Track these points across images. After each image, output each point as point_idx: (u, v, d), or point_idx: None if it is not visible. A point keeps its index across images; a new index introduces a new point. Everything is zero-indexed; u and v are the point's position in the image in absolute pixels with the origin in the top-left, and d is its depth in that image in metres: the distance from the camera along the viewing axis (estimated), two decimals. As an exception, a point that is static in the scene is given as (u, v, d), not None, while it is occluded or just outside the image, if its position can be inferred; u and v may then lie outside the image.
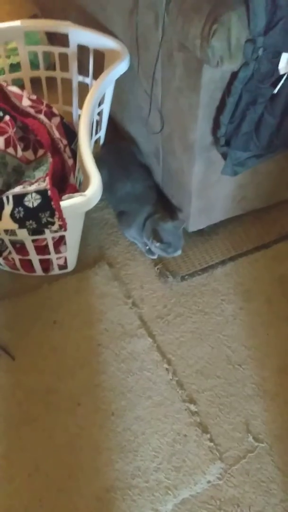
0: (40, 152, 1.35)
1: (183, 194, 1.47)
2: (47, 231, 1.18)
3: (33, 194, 1.10)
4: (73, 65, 1.60)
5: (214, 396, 1.35)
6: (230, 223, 1.67)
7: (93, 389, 1.35)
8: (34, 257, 1.38)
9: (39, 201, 1.09)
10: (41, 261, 1.41)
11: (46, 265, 1.44)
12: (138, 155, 1.69)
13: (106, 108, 1.58)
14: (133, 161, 1.68)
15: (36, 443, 1.26)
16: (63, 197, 1.15)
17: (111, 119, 1.69)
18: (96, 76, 1.56)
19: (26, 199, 1.10)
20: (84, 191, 1.19)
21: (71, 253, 1.44)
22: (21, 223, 1.10)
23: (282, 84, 1.08)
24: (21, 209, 1.09)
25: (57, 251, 1.38)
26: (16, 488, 1.21)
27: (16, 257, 1.39)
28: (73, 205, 1.15)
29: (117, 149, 1.71)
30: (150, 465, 1.24)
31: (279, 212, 1.72)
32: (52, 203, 1.08)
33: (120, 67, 1.43)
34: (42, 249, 1.35)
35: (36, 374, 1.37)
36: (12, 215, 1.10)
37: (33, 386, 1.35)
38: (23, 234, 1.16)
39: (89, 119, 1.30)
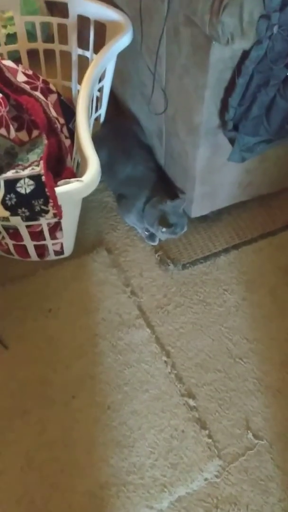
0: (35, 133, 1.27)
1: (186, 178, 1.39)
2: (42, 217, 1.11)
3: (26, 180, 1.03)
4: (73, 37, 1.50)
5: (213, 390, 1.31)
6: (235, 209, 1.60)
7: (89, 382, 1.30)
8: (29, 243, 1.32)
9: (32, 187, 1.02)
10: (36, 246, 1.35)
11: (41, 250, 1.38)
12: (140, 135, 1.61)
13: (107, 84, 1.49)
14: (135, 142, 1.60)
15: (29, 436, 1.22)
16: (59, 183, 1.08)
17: (112, 96, 1.60)
18: (97, 49, 1.47)
19: (18, 184, 1.03)
20: (81, 175, 1.11)
21: (67, 239, 1.37)
22: (13, 210, 1.03)
23: (298, 65, 0.99)
24: (13, 195, 1.02)
25: (52, 237, 1.32)
26: (7, 482, 1.17)
27: (10, 242, 1.32)
28: (69, 191, 1.08)
29: (118, 128, 1.62)
30: (146, 462, 1.20)
31: (286, 198, 1.65)
32: (46, 189, 1.01)
33: (122, 41, 1.34)
34: (37, 235, 1.28)
35: (29, 364, 1.32)
36: (3, 202, 1.03)
37: (27, 377, 1.30)
38: (16, 221, 1.09)
39: (88, 97, 1.22)
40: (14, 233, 1.28)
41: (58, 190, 1.06)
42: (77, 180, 1.08)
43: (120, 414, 1.26)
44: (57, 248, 1.39)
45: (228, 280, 1.49)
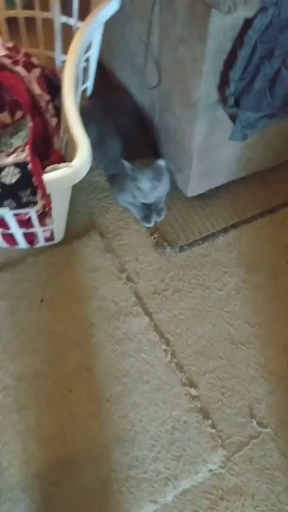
0: (18, 114, 1.17)
1: (183, 156, 1.31)
2: (29, 206, 1.03)
3: (11, 168, 0.94)
4: (55, 3, 1.37)
5: (215, 378, 1.26)
6: (233, 186, 1.52)
7: (86, 374, 1.25)
8: (17, 231, 1.24)
9: (18, 175, 0.94)
10: (25, 234, 1.27)
11: (30, 238, 1.30)
12: (131, 108, 1.51)
13: (94, 54, 1.38)
14: (126, 115, 1.49)
15: (26, 433, 1.18)
16: (46, 169, 0.99)
17: (99, 66, 1.48)
18: (82, 16, 1.35)
19: (3, 173, 0.94)
20: (70, 158, 1.02)
21: (58, 225, 1.29)
22: (-2, 202, 0.95)
23: (306, 34, 0.90)
24: (-3, 186, 0.93)
25: (42, 223, 1.23)
26: (5, 481, 1.13)
27: (-3, 231, 1.24)
28: (58, 179, 0.99)
29: (107, 100, 1.52)
30: (148, 455, 1.17)
31: (284, 172, 1.57)
32: (34, 178, 0.92)
33: (110, 7, 1.23)
34: (25, 223, 1.20)
35: (23, 358, 1.26)
36: (-13, 194, 0.94)
37: (21, 371, 1.24)
38: (1, 211, 1.01)
39: (75, 71, 1.12)
40: (0, 221, 1.20)
41: (46, 177, 0.97)
42: (66, 166, 0.99)
43: (120, 407, 1.21)
44: (47, 234, 1.31)
45: (227, 261, 1.43)
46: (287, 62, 0.96)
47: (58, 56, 1.50)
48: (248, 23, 0.89)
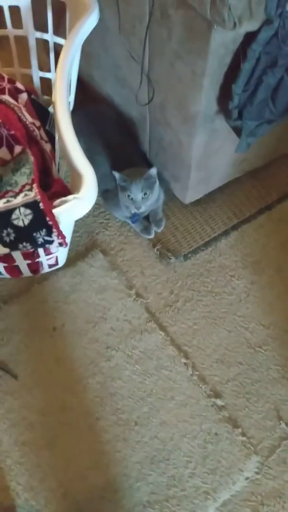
0: (17, 149, 1.12)
1: (180, 167, 1.29)
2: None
3: (22, 209, 0.89)
4: (28, 19, 1.31)
5: (239, 385, 1.27)
6: (227, 187, 1.51)
7: (110, 399, 1.23)
8: (22, 263, 1.19)
9: (30, 217, 0.89)
10: (29, 264, 1.23)
11: (35, 267, 1.26)
12: (117, 120, 1.47)
13: (75, 68, 1.33)
14: (112, 128, 1.45)
15: (59, 469, 1.15)
16: (55, 203, 0.95)
17: (78, 78, 1.43)
18: (57, 30, 1.30)
19: (13, 216, 0.89)
20: (74, 186, 0.99)
21: (63, 250, 1.25)
22: (13, 247, 0.91)
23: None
24: (10, 230, 0.89)
25: (47, 252, 1.19)
26: (46, 521, 1.11)
27: (0, 266, 1.19)
28: (68, 211, 0.96)
29: (91, 114, 1.47)
30: (185, 472, 1.16)
31: (277, 167, 1.57)
32: (47, 218, 0.88)
33: (90, 21, 1.18)
34: (30, 254, 1.16)
35: (44, 391, 1.23)
36: (0, 239, 0.90)
37: (44, 406, 1.22)
38: (15, 254, 0.97)
39: (66, 95, 1.08)
40: (5, 257, 1.15)
41: (57, 211, 0.94)
42: (74, 198, 0.95)
43: (149, 428, 1.20)
44: (52, 261, 1.27)
45: (233, 265, 1.42)
46: (290, 70, 0.95)
47: (35, 72, 1.44)
48: (250, 35, 0.87)
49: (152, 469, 1.16)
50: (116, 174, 1.29)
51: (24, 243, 0.90)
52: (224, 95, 1.00)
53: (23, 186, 1.01)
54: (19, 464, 1.15)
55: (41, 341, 1.29)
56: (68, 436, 1.19)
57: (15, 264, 1.19)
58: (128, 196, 1.30)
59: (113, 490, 1.14)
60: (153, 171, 1.30)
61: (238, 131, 1.04)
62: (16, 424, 1.20)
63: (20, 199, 0.91)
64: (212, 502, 1.14)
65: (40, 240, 0.90)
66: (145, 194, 1.30)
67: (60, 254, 1.26)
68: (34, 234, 0.89)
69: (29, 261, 1.19)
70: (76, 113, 1.44)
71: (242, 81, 0.93)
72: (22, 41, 1.40)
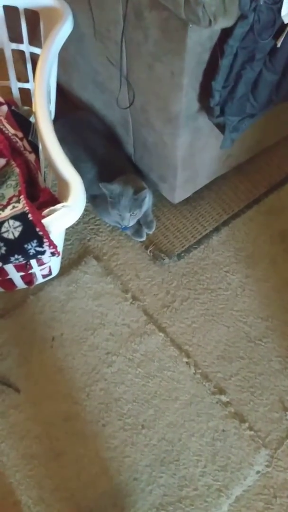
0: (1, 161, 1.11)
1: (166, 167, 1.29)
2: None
3: (11, 222, 0.89)
4: (2, 31, 1.31)
5: (242, 380, 1.27)
6: (214, 184, 1.51)
7: (115, 404, 1.23)
8: (15, 276, 1.19)
9: (20, 228, 0.89)
10: (23, 276, 1.22)
11: (29, 278, 1.26)
12: (98, 125, 1.47)
13: (53, 77, 1.32)
14: (95, 134, 1.45)
15: (69, 479, 1.15)
16: (44, 213, 0.95)
17: (57, 87, 1.43)
18: (32, 40, 1.30)
19: (3, 229, 0.89)
20: (62, 195, 0.99)
21: (55, 259, 1.25)
22: (4, 260, 0.90)
23: (286, 34, 0.88)
24: (1, 244, 0.89)
25: (40, 263, 1.19)
26: (60, 533, 1.10)
27: (-6, 280, 1.19)
28: (58, 220, 0.95)
29: (73, 122, 1.47)
30: (195, 471, 1.16)
31: (262, 161, 1.58)
32: (38, 228, 0.88)
33: (65, 29, 1.18)
34: (23, 266, 1.15)
35: (47, 402, 1.23)
36: (-9, 254, 0.89)
37: (49, 417, 1.21)
38: (7, 267, 0.96)
39: (46, 103, 1.07)
40: (-3, 271, 1.15)
41: (46, 221, 0.94)
42: (63, 206, 0.95)
43: (156, 430, 1.20)
44: (45, 272, 1.27)
45: (226, 260, 1.43)
46: (268, 64, 0.95)
47: (14, 84, 1.44)
48: (226, 31, 0.87)
49: (162, 471, 1.16)
50: (103, 187, 1.28)
51: (16, 256, 0.90)
52: (205, 93, 1.00)
53: (10, 199, 1.01)
54: (29, 477, 1.15)
55: (41, 352, 1.28)
56: (75, 445, 1.18)
57: (9, 277, 1.19)
58: (117, 212, 1.30)
59: (125, 496, 1.13)
60: (144, 195, 1.30)
61: (221, 127, 1.05)
62: (23, 438, 1.19)
63: (8, 211, 0.91)
64: (225, 499, 1.14)
65: (32, 251, 0.90)
66: (133, 213, 1.30)
67: (53, 263, 1.26)
68: (25, 245, 0.89)
69: (22, 273, 1.19)
70: (58, 122, 1.44)
71: (221, 77, 0.94)
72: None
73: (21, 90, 1.47)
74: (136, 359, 1.28)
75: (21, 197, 0.94)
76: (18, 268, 1.16)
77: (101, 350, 1.29)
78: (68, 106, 1.53)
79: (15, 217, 0.89)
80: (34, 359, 1.27)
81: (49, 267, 1.26)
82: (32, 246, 0.89)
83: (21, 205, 0.91)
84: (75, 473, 1.15)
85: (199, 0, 0.76)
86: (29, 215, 0.89)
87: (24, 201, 0.92)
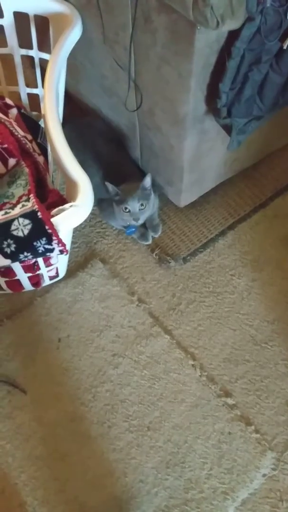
0: (12, 161, 1.13)
1: (173, 170, 1.30)
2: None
3: (20, 220, 0.90)
4: (12, 37, 1.33)
5: (248, 383, 1.26)
6: (221, 188, 1.52)
7: (121, 406, 1.23)
8: (23, 276, 1.20)
9: (29, 226, 0.90)
10: (30, 277, 1.23)
11: (36, 280, 1.26)
12: (106, 130, 1.48)
13: (61, 82, 1.34)
14: (102, 138, 1.46)
15: (75, 480, 1.14)
16: (53, 212, 0.96)
17: (65, 93, 1.45)
18: (42, 46, 1.32)
19: (13, 227, 0.90)
20: (70, 195, 1.00)
21: (62, 261, 1.26)
22: (14, 257, 0.91)
23: (293, 36, 0.90)
24: (10, 241, 0.90)
25: (47, 264, 1.20)
26: (65, 534, 1.10)
27: (2, 280, 1.20)
28: (66, 219, 0.97)
29: (80, 127, 1.48)
30: (201, 474, 1.16)
31: (267, 165, 1.59)
32: (47, 226, 0.89)
33: (74, 34, 1.21)
34: (31, 267, 1.17)
35: (54, 403, 1.23)
36: (1, 251, 0.90)
37: (55, 418, 1.21)
38: (15, 265, 0.97)
39: (56, 108, 1.09)
40: (6, 271, 1.16)
41: (55, 220, 0.95)
42: (71, 206, 0.96)
43: (162, 432, 1.20)
44: (52, 273, 1.28)
45: (232, 264, 1.43)
46: (274, 66, 0.96)
47: (22, 89, 1.46)
48: (233, 33, 0.89)
49: (168, 473, 1.15)
50: (109, 185, 1.29)
51: (25, 253, 0.91)
52: (212, 95, 1.02)
53: (20, 197, 1.02)
54: (34, 478, 1.14)
55: (47, 353, 1.29)
56: (81, 447, 1.18)
57: (16, 278, 1.20)
58: (125, 208, 1.31)
59: (130, 498, 1.13)
60: (148, 178, 1.30)
61: (228, 129, 1.06)
62: (29, 439, 1.19)
63: (18, 210, 0.92)
64: (231, 502, 1.13)
65: (41, 248, 0.91)
66: (142, 205, 1.31)
67: (60, 265, 1.27)
68: (35, 243, 0.90)
69: (30, 274, 1.20)
70: (65, 127, 1.45)
71: (228, 79, 0.95)
72: (7, 59, 1.42)
73: (30, 95, 1.50)
74: (142, 361, 1.28)
75: (31, 196, 0.95)
76: (26, 269, 1.17)
77: (107, 352, 1.29)
78: (76, 112, 1.55)
79: (24, 215, 0.91)
80: (41, 360, 1.28)
81: (56, 268, 1.27)
82: (41, 243, 0.90)
83: (31, 204, 0.92)
84: (80, 474, 1.15)
85: (207, 1, 0.78)
86: (39, 213, 0.91)
87: (34, 200, 0.93)
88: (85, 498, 1.13)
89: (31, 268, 1.16)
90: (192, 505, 1.12)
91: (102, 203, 1.46)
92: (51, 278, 1.30)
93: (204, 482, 1.15)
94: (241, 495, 1.14)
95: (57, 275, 1.31)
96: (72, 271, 1.39)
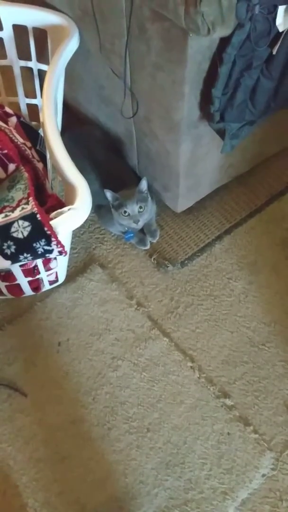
0: (11, 167, 1.16)
1: (169, 176, 1.33)
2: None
3: (20, 222, 0.93)
4: (12, 49, 1.37)
5: (246, 384, 1.28)
6: (216, 193, 1.55)
7: (120, 408, 1.24)
8: (23, 281, 1.22)
9: (29, 228, 0.93)
10: (30, 282, 1.25)
11: (36, 284, 1.29)
12: (103, 138, 1.52)
13: (60, 92, 1.38)
14: (100, 147, 1.50)
15: (75, 482, 1.15)
16: (51, 215, 0.98)
17: (63, 103, 1.49)
18: (40, 57, 1.36)
19: (12, 229, 0.93)
20: (68, 199, 1.03)
21: (62, 266, 1.28)
22: (14, 259, 0.94)
23: (281, 42, 0.93)
24: (10, 243, 0.92)
25: (47, 268, 1.22)
26: (66, 536, 1.10)
27: (2, 285, 1.22)
28: (65, 222, 0.99)
29: (79, 135, 1.52)
30: (201, 474, 1.17)
31: (262, 172, 1.62)
32: (46, 228, 0.92)
33: (71, 45, 1.24)
34: (31, 271, 1.19)
35: (54, 406, 1.24)
36: (1, 252, 0.93)
37: (55, 421, 1.22)
38: (14, 267, 1.00)
39: (54, 115, 1.12)
40: (6, 275, 1.18)
41: (54, 223, 0.97)
42: (70, 209, 0.99)
43: (161, 433, 1.21)
44: (52, 278, 1.30)
45: (229, 267, 1.45)
46: (265, 71, 1.00)
47: (22, 100, 1.50)
48: (224, 40, 0.92)
49: (168, 474, 1.16)
50: (108, 193, 1.32)
51: (25, 254, 0.93)
52: (205, 100, 1.05)
53: (20, 201, 1.05)
54: (35, 480, 1.15)
55: (47, 357, 1.30)
56: (81, 449, 1.19)
57: (16, 282, 1.22)
58: (125, 212, 1.33)
59: (131, 498, 1.14)
60: (143, 182, 1.33)
61: (221, 133, 1.09)
62: (29, 441, 1.20)
63: (17, 212, 0.94)
64: (231, 502, 1.14)
65: (40, 250, 0.93)
66: (140, 207, 1.33)
67: (60, 269, 1.29)
68: (34, 244, 0.92)
69: (30, 278, 1.22)
70: (64, 136, 1.49)
71: (220, 84, 0.98)
72: (7, 71, 1.46)
73: (29, 106, 1.54)
74: (141, 364, 1.30)
75: (30, 198, 0.98)
76: (26, 273, 1.19)
77: (107, 355, 1.31)
78: (74, 121, 1.58)
79: (24, 218, 0.93)
80: (41, 364, 1.29)
81: (56, 273, 1.29)
82: (40, 245, 0.93)
83: (30, 206, 0.95)
84: (81, 476, 1.16)
85: (198, 9, 0.81)
86: (38, 216, 0.93)
87: (33, 203, 0.96)
88: (85, 499, 1.13)
89: (31, 272, 1.19)
90: (192, 506, 1.13)
91: (100, 209, 1.48)
92: (51, 283, 1.33)
93: (204, 483, 1.16)
94: (240, 495, 1.15)
95: (56, 280, 1.33)
96: (71, 276, 1.41)
